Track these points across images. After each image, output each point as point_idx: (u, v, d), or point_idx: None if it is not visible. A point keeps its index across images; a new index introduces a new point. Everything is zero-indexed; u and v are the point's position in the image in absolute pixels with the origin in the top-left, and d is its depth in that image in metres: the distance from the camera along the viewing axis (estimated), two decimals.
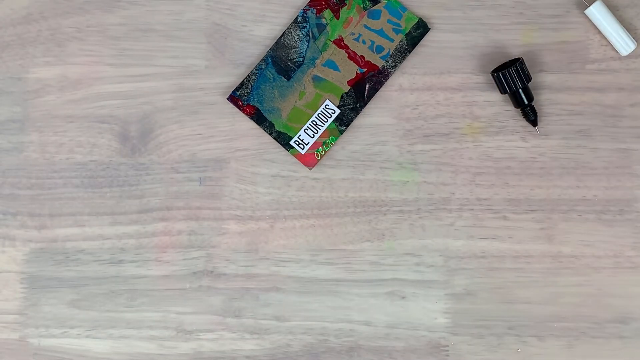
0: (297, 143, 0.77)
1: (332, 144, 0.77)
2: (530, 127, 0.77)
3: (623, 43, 0.76)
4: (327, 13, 0.78)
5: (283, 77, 0.77)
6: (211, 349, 0.77)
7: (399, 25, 0.78)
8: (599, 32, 0.77)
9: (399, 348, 0.77)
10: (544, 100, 0.77)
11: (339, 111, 0.77)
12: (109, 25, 0.79)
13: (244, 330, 0.77)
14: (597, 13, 0.76)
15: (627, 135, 0.77)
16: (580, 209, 0.77)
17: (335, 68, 0.77)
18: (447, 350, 0.76)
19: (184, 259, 0.77)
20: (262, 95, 0.77)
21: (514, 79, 0.74)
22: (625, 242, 0.77)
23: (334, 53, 0.78)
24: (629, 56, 0.77)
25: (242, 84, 0.77)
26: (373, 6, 0.78)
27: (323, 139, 0.77)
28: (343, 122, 0.77)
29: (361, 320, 0.77)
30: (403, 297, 0.77)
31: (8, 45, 0.79)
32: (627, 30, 0.77)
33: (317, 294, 0.77)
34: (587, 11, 0.76)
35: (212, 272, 0.77)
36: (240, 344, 0.77)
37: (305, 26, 0.78)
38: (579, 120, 0.77)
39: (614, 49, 0.77)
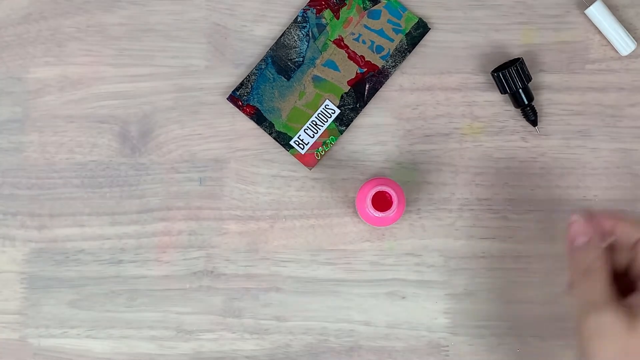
0: (297, 143, 0.77)
1: (332, 144, 0.77)
2: (530, 127, 0.77)
3: (623, 43, 0.76)
4: (327, 13, 0.78)
5: (283, 77, 0.77)
6: (211, 349, 0.77)
7: (399, 25, 0.78)
8: (599, 32, 0.77)
9: (399, 348, 0.77)
10: (544, 100, 0.77)
11: (339, 111, 0.77)
12: (109, 25, 0.79)
13: (244, 330, 0.77)
14: (597, 13, 0.76)
15: (627, 135, 0.77)
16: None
17: (335, 68, 0.77)
18: (447, 350, 0.76)
19: (184, 259, 0.77)
20: (262, 95, 0.77)
21: (514, 79, 0.74)
22: None
23: (333, 53, 0.77)
24: (629, 56, 0.77)
25: (242, 84, 0.77)
26: (373, 6, 0.78)
27: (323, 139, 0.77)
28: (343, 122, 0.77)
29: (361, 320, 0.77)
30: (403, 297, 0.77)
31: (8, 45, 0.79)
32: (627, 30, 0.77)
33: (317, 294, 0.77)
34: (587, 11, 0.76)
35: (212, 272, 0.77)
36: (240, 344, 0.77)
37: (305, 26, 0.78)
38: (579, 120, 0.77)
39: (614, 48, 0.77)
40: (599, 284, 0.63)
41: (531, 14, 0.78)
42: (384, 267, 0.77)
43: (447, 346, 0.76)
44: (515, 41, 0.78)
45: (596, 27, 0.77)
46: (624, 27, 0.77)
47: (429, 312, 0.77)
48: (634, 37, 0.77)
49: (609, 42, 0.77)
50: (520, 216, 0.77)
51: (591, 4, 0.76)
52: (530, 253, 0.76)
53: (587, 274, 0.64)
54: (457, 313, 0.77)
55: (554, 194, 0.77)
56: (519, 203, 0.77)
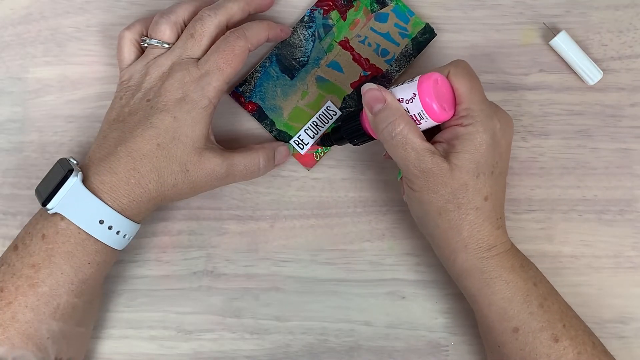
0: (297, 143, 0.77)
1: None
2: (531, 127, 0.77)
3: (590, 73, 0.76)
4: (334, 14, 0.78)
5: (286, 76, 0.77)
6: (211, 349, 0.77)
7: (405, 29, 0.78)
8: (599, 32, 0.78)
9: (399, 348, 0.77)
10: (544, 100, 0.77)
11: (340, 113, 0.77)
12: (109, 25, 0.79)
13: (244, 330, 0.77)
14: (563, 44, 0.76)
15: (627, 135, 0.77)
16: (581, 209, 0.77)
17: (339, 69, 0.77)
18: (447, 350, 0.76)
19: (184, 259, 0.77)
20: (264, 93, 0.77)
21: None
22: (625, 242, 0.77)
23: (338, 54, 0.77)
24: (629, 56, 0.77)
25: (245, 80, 0.77)
26: (381, 9, 0.78)
27: None
28: None
29: (361, 320, 0.77)
30: (403, 297, 0.77)
31: (8, 45, 0.79)
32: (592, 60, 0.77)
33: (317, 294, 0.77)
34: (551, 42, 0.76)
35: (212, 272, 0.77)
36: (240, 344, 0.77)
37: (312, 26, 0.78)
38: (579, 120, 0.77)
39: (614, 48, 0.77)
40: (406, 138, 0.66)
41: (531, 13, 0.78)
42: (383, 267, 0.77)
43: (447, 346, 0.76)
44: (515, 41, 0.78)
45: (597, 27, 0.77)
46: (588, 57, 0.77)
47: (429, 312, 0.77)
48: (633, 37, 0.77)
49: (575, 72, 0.77)
50: (520, 216, 0.77)
51: (556, 35, 0.76)
52: (530, 253, 0.76)
53: (393, 137, 0.66)
54: (457, 313, 0.77)
55: (554, 194, 0.77)
56: (519, 203, 0.77)
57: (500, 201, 0.68)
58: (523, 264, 0.69)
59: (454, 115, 0.66)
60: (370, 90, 0.67)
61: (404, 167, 0.67)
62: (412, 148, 0.65)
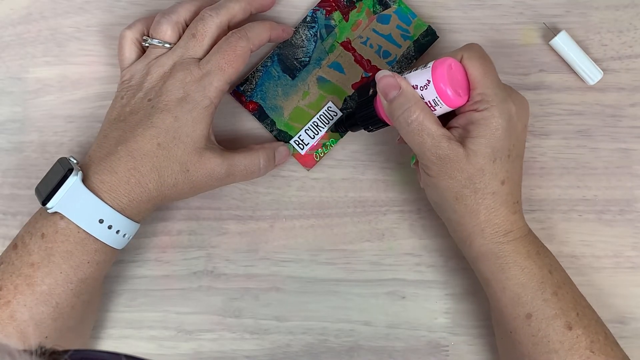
0: (297, 143, 0.77)
1: (332, 146, 0.77)
2: (531, 127, 0.77)
3: (590, 73, 0.76)
4: (337, 15, 0.78)
5: (288, 76, 0.77)
6: (211, 349, 0.77)
7: (407, 31, 0.78)
8: (599, 32, 0.78)
9: (399, 348, 0.77)
10: (544, 100, 0.77)
11: (341, 114, 0.77)
12: (109, 25, 0.79)
13: (244, 330, 0.77)
14: (563, 44, 0.76)
15: (627, 135, 0.77)
16: (580, 209, 0.77)
17: (341, 70, 0.77)
18: (447, 350, 0.76)
19: (184, 259, 0.77)
20: (265, 93, 0.77)
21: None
22: (625, 242, 0.77)
23: (340, 55, 0.77)
24: (629, 56, 0.77)
25: (246, 79, 0.77)
26: (383, 10, 0.78)
27: (323, 141, 0.77)
28: None
29: (361, 320, 0.77)
30: (403, 297, 0.77)
31: (8, 45, 0.79)
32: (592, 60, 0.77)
33: (317, 294, 0.77)
34: (552, 42, 0.76)
35: (212, 272, 0.77)
36: (240, 344, 0.77)
37: (314, 26, 0.77)
38: (579, 120, 0.77)
39: (614, 48, 0.77)
40: (422, 124, 0.66)
41: (531, 13, 0.78)
42: (383, 267, 0.77)
43: (447, 346, 0.76)
44: (515, 41, 0.78)
45: (596, 27, 0.77)
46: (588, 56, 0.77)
47: (429, 312, 0.77)
48: (634, 37, 0.77)
49: (575, 72, 0.77)
50: None
51: (556, 35, 0.76)
52: None
53: (409, 124, 0.66)
54: (457, 313, 0.77)
55: (554, 194, 0.77)
56: None
57: (517, 184, 0.69)
58: (539, 250, 0.69)
59: (468, 100, 0.66)
60: (384, 77, 0.68)
61: (420, 154, 0.67)
62: (428, 134, 0.66)
